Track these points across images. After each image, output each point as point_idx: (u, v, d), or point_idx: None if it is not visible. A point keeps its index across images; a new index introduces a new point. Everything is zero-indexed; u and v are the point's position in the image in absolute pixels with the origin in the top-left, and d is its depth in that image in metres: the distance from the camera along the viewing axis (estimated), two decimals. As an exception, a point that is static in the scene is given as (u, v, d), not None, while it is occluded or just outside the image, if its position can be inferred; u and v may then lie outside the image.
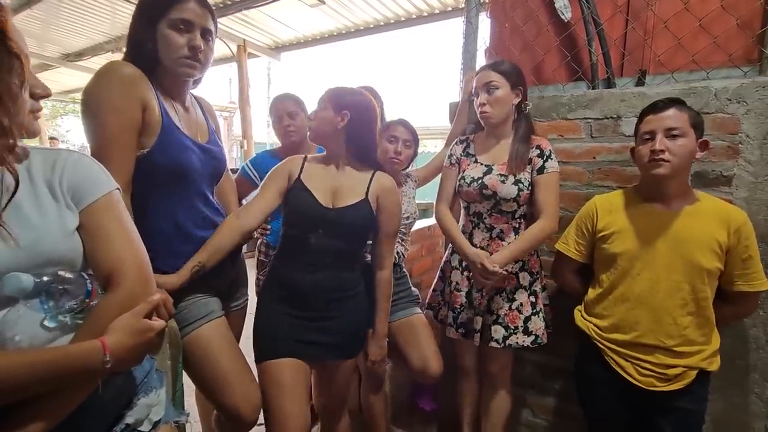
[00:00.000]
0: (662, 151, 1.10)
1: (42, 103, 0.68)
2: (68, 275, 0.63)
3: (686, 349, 1.14)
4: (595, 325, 1.27)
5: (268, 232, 1.71)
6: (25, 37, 0.61)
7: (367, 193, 1.24)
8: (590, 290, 1.32)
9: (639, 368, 1.18)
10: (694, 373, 1.14)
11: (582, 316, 1.33)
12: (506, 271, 1.39)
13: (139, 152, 0.99)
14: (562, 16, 1.64)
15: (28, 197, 0.63)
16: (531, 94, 1.63)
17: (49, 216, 0.64)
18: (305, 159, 1.29)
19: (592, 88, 1.60)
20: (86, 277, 0.66)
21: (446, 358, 1.54)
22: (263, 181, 1.26)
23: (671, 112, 1.12)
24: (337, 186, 1.23)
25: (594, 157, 1.55)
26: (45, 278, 0.61)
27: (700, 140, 1.14)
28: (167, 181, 1.06)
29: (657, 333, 1.15)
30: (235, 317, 1.34)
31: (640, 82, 1.55)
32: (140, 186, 1.00)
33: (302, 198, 1.20)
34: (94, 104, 0.95)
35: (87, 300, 0.65)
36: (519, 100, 1.41)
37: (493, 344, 1.42)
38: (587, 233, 1.31)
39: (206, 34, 1.07)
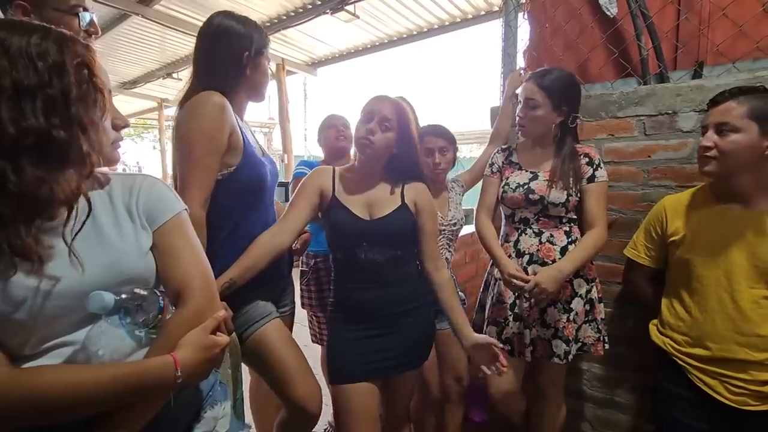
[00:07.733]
0: None
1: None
2: (143, 292, 0.68)
3: None
4: (671, 339, 1.17)
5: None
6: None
7: (402, 199, 1.24)
8: (664, 300, 1.23)
9: (729, 386, 1.06)
10: None
11: (658, 330, 1.23)
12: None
13: (225, 171, 1.08)
14: (608, 12, 1.58)
15: (110, 220, 0.69)
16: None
17: (128, 237, 0.69)
18: (334, 172, 1.27)
19: (643, 84, 1.53)
20: (159, 294, 0.70)
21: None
22: (293, 197, 1.24)
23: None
24: (372, 199, 1.23)
25: (649, 156, 1.47)
26: (123, 296, 0.65)
27: None
28: (249, 194, 1.16)
29: (742, 346, 1.04)
30: (284, 321, 1.39)
31: (697, 75, 1.46)
32: (227, 203, 1.08)
33: (341, 216, 1.20)
34: (189, 132, 1.04)
35: (160, 316, 0.69)
36: (561, 119, 1.35)
37: (556, 360, 1.35)
38: (656, 237, 1.23)
39: None
